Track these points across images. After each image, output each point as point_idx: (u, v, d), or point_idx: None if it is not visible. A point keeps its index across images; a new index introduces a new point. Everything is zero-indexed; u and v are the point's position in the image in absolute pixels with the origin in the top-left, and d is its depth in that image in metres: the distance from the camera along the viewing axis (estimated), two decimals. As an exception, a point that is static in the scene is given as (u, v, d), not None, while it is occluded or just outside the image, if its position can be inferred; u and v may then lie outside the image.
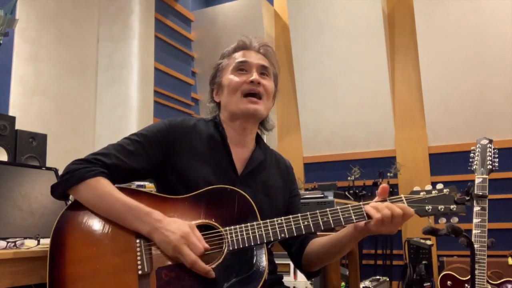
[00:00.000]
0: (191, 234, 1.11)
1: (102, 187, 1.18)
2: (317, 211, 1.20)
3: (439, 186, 1.20)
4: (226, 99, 1.37)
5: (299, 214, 1.20)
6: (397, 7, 4.54)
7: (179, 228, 1.11)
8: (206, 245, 1.12)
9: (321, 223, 1.19)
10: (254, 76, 1.34)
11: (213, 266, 1.13)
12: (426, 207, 1.18)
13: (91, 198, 1.18)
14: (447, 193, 1.19)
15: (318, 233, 1.42)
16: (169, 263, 1.12)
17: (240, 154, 1.38)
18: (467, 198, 1.17)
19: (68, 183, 1.20)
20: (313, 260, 1.39)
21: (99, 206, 1.17)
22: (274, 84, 1.42)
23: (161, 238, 1.11)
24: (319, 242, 1.37)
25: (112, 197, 1.17)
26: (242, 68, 1.37)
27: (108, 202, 1.16)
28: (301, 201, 1.59)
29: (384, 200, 1.19)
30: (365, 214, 1.18)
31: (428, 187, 1.21)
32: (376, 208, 1.17)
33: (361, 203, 1.21)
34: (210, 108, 1.46)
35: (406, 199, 1.20)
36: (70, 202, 1.23)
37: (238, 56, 1.39)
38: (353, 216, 1.19)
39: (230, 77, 1.36)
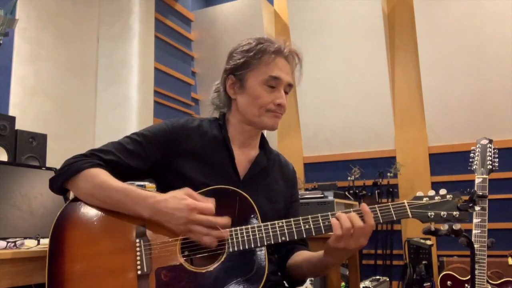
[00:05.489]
0: (195, 202, 1.12)
1: (99, 176, 1.18)
2: (319, 214, 1.19)
3: (442, 191, 1.19)
4: (247, 107, 1.33)
5: (300, 217, 1.19)
6: (397, 7, 4.54)
7: (181, 203, 1.12)
8: (212, 201, 1.15)
9: (322, 226, 1.18)
10: (283, 100, 1.32)
11: (214, 267, 1.13)
12: (429, 213, 1.17)
13: (89, 188, 1.18)
14: (450, 199, 1.17)
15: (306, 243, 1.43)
16: (169, 264, 1.12)
17: (244, 157, 1.37)
18: (470, 204, 1.15)
19: (66, 175, 1.20)
20: (294, 273, 1.38)
21: (98, 195, 1.17)
22: None
23: (167, 219, 1.12)
24: (301, 257, 1.36)
25: (110, 185, 1.17)
26: (273, 84, 1.32)
27: (106, 190, 1.16)
28: (301, 201, 1.59)
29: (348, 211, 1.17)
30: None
31: (431, 192, 1.19)
32: (338, 218, 1.15)
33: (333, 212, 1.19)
34: (218, 97, 1.41)
35: (408, 205, 1.18)
36: (69, 199, 1.23)
37: (273, 68, 1.32)
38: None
39: (260, 90, 1.31)
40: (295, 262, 1.37)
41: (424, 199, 1.19)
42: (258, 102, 1.31)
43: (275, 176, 1.42)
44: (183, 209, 1.11)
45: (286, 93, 1.36)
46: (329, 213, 1.18)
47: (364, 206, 1.16)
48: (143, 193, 1.16)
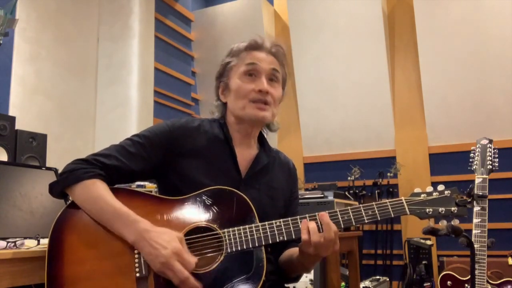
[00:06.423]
0: (183, 251, 1.08)
1: (96, 189, 1.17)
2: (316, 213, 1.19)
3: (440, 187, 1.19)
4: (233, 104, 1.35)
5: (297, 217, 1.19)
6: (397, 7, 4.54)
7: (170, 243, 1.07)
8: (196, 260, 1.10)
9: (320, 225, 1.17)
10: (263, 85, 1.30)
11: (212, 268, 1.12)
12: (427, 210, 1.17)
13: (84, 200, 1.17)
14: (448, 195, 1.17)
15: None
16: None
17: (244, 156, 1.37)
18: (469, 200, 1.15)
19: (65, 183, 1.20)
20: (283, 271, 1.39)
21: (91, 208, 1.16)
22: (282, 88, 1.39)
23: (149, 251, 1.08)
24: (286, 256, 1.37)
25: (104, 201, 1.15)
26: (251, 73, 1.32)
27: (99, 205, 1.15)
28: (301, 201, 1.59)
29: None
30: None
31: (429, 188, 1.20)
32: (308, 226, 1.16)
33: (361, 205, 1.19)
34: (216, 107, 1.42)
35: (406, 202, 1.18)
36: (69, 202, 1.23)
37: (248, 58, 1.34)
38: (352, 218, 1.18)
39: (238, 82, 1.32)
40: (283, 259, 1.38)
41: (422, 195, 1.19)
42: (239, 93, 1.32)
43: (275, 174, 1.43)
44: (167, 250, 1.06)
45: (272, 80, 1.35)
46: (327, 211, 1.18)
47: (322, 216, 1.17)
48: (135, 217, 1.13)
